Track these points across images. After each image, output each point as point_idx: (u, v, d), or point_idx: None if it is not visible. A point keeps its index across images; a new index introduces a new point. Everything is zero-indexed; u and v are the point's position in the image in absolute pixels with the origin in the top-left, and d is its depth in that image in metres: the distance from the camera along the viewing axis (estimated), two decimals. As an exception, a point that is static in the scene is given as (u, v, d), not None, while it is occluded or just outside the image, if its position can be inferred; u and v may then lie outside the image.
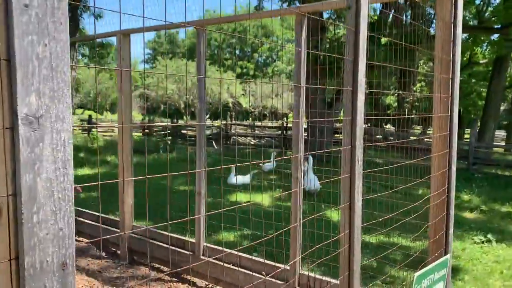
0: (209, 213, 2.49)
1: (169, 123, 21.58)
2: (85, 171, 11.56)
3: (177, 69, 33.48)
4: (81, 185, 1.26)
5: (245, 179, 9.59)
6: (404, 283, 4.05)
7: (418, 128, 23.90)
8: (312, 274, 3.64)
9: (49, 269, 0.83)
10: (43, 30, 0.82)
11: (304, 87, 3.50)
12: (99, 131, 20.05)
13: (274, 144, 18.18)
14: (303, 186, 7.93)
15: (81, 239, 5.58)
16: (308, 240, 4.20)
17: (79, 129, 20.96)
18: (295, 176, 3.56)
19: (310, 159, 8.26)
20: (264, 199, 8.21)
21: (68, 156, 0.85)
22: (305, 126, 15.07)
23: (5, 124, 0.80)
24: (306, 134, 14.04)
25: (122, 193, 4.93)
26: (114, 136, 20.50)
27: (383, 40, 12.61)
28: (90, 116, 21.69)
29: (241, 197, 8.46)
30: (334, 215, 5.89)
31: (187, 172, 1.46)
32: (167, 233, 4.72)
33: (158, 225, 2.85)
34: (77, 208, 5.80)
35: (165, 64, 33.39)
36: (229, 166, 2.17)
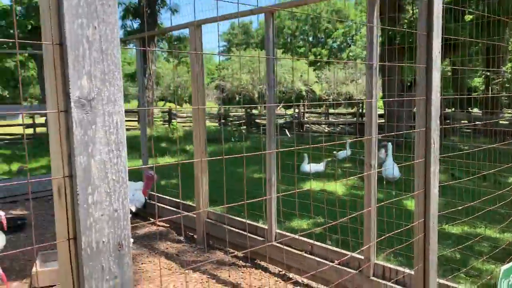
0: (279, 194, 2.46)
1: (243, 114, 21.88)
2: (166, 159, 12.12)
3: (251, 59, 33.76)
4: (137, 167, 1.29)
5: (318, 167, 9.46)
6: (490, 277, 3.75)
7: (509, 111, 21.99)
8: (386, 264, 3.50)
9: (105, 249, 0.85)
10: (92, 13, 0.84)
11: (377, 67, 3.33)
12: (178, 122, 20.89)
13: (349, 131, 17.74)
14: (382, 173, 7.61)
15: (161, 223, 5.86)
16: (382, 229, 4.04)
17: (161, 120, 21.98)
18: (368, 161, 3.43)
19: (390, 145, 7.92)
20: (338, 187, 8.04)
21: (121, 139, 0.86)
22: (381, 112, 14.48)
23: (60, 107, 0.82)
24: (383, 120, 13.49)
25: (198, 179, 5.08)
26: (192, 127, 21.25)
27: (468, 17, 11.68)
28: (170, 108, 22.68)
29: (314, 185, 8.35)
30: (411, 203, 5.60)
31: (242, 155, 1.44)
32: (240, 219, 4.80)
33: (226, 205, 2.88)
34: (156, 194, 6.09)
35: (239, 55, 33.83)
36: (289, 150, 2.12)
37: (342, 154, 10.70)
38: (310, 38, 45.20)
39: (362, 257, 3.59)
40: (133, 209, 3.68)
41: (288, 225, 5.70)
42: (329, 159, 10.45)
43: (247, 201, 1.56)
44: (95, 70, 0.83)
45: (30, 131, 17.49)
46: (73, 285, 0.84)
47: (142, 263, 4.51)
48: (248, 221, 4.73)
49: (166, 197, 5.97)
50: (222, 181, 7.72)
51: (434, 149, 1.83)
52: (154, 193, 6.10)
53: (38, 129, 17.41)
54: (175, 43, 23.12)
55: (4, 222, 4.03)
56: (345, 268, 3.69)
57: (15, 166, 10.85)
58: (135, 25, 20.89)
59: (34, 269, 3.95)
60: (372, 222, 3.48)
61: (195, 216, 5.16)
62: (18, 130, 18.01)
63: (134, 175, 7.20)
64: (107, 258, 0.84)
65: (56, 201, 0.86)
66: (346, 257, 3.66)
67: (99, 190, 0.84)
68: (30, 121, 18.11)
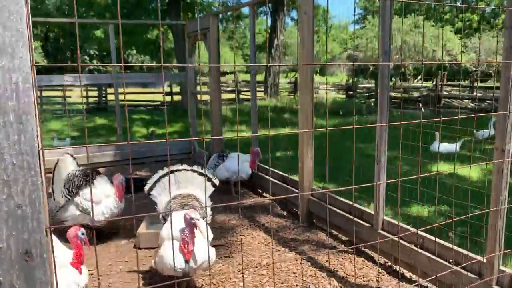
0: (391, 181, 2.05)
1: (373, 85, 20.67)
2: (286, 130, 12.05)
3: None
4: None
5: (451, 147, 8.41)
6: None
7: None
8: (516, 275, 2.83)
9: (5, 257, 0.63)
10: None
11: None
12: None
13: (497, 108, 15.51)
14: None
15: (267, 196, 5.75)
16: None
17: (286, 91, 21.98)
18: (499, 145, 2.75)
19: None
20: (473, 172, 7.01)
21: (26, 107, 0.61)
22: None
23: None
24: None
25: (301, 154, 4.79)
26: (317, 98, 20.86)
27: None
28: (296, 78, 22.51)
29: (444, 168, 7.43)
30: None
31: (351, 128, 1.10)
32: (345, 200, 4.40)
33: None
34: (265, 166, 5.96)
35: (374, 24, 31.88)
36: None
37: (483, 134, 9.36)
38: (458, 3, 40.48)
39: (484, 260, 2.96)
40: (215, 181, 3.58)
41: (406, 211, 5.10)
42: (467, 138, 9.24)
43: (354, 187, 1.23)
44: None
45: (168, 98, 18.98)
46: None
47: (240, 235, 4.44)
48: (354, 204, 4.30)
49: (274, 170, 5.81)
50: (335, 157, 7.31)
51: None
52: (263, 165, 5.99)
53: (175, 97, 18.78)
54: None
55: (123, 186, 4.29)
56: (462, 271, 3.10)
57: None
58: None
59: (138, 231, 4.14)
60: (500, 222, 2.83)
61: (297, 191, 4.91)
62: (159, 97, 19.68)
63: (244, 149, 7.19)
64: (7, 269, 0.63)
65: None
66: (470, 262, 3.06)
67: (-11, 177, 0.61)
68: (168, 90, 19.64)
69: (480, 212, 2.86)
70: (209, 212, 3.39)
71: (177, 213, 3.05)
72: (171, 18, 15.14)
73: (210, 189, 3.49)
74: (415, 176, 2.53)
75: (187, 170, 3.37)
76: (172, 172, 3.36)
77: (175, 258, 2.86)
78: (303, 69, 4.70)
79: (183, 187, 3.32)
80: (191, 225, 2.84)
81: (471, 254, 3.08)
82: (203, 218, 3.21)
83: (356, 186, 2.48)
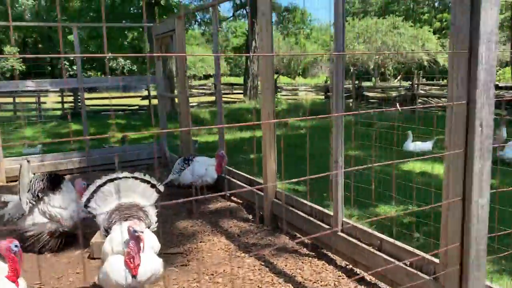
0: (351, 169, 1.96)
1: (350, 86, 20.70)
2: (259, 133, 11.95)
3: (366, 28, 31.88)
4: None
5: (424, 145, 8.45)
6: None
7: None
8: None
9: None
10: None
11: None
12: (282, 95, 20.66)
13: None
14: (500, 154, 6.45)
15: (233, 200, 5.64)
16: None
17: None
18: (447, 143, 2.68)
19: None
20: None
21: None
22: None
23: None
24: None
25: (265, 156, 4.70)
26: (296, 100, 20.89)
27: None
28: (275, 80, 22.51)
29: (416, 167, 7.43)
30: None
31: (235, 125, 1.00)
32: (307, 202, 4.31)
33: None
34: (231, 168, 5.86)
35: (354, 25, 32.04)
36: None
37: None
38: (436, 3, 41.02)
39: (437, 261, 2.89)
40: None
41: (373, 211, 5.04)
42: (440, 136, 9.29)
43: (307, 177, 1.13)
44: None
45: (146, 102, 18.74)
46: None
47: (200, 241, 4.32)
48: (316, 206, 4.22)
49: (240, 173, 5.71)
50: (304, 158, 7.24)
51: (482, 135, 1.16)
52: (230, 168, 5.89)
53: (154, 101, 18.53)
54: (284, 13, 22.60)
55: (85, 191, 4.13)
56: (418, 273, 3.03)
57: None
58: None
59: (92, 240, 3.99)
60: (450, 221, 2.76)
61: (262, 194, 4.82)
62: (137, 101, 19.41)
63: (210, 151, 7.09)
64: None
65: None
66: (415, 258, 3.00)
67: None
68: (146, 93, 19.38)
69: (422, 208, 2.80)
70: (154, 219, 3.25)
71: (120, 224, 2.91)
72: (147, 21, 14.98)
73: (154, 196, 3.34)
74: (356, 168, 2.45)
75: (128, 177, 3.22)
76: (111, 180, 3.20)
77: (121, 274, 2.71)
78: (263, 71, 4.62)
79: (125, 196, 3.17)
80: (135, 238, 2.71)
81: (424, 255, 3.02)
82: (149, 228, 3.07)
83: (306, 177, 2.40)
